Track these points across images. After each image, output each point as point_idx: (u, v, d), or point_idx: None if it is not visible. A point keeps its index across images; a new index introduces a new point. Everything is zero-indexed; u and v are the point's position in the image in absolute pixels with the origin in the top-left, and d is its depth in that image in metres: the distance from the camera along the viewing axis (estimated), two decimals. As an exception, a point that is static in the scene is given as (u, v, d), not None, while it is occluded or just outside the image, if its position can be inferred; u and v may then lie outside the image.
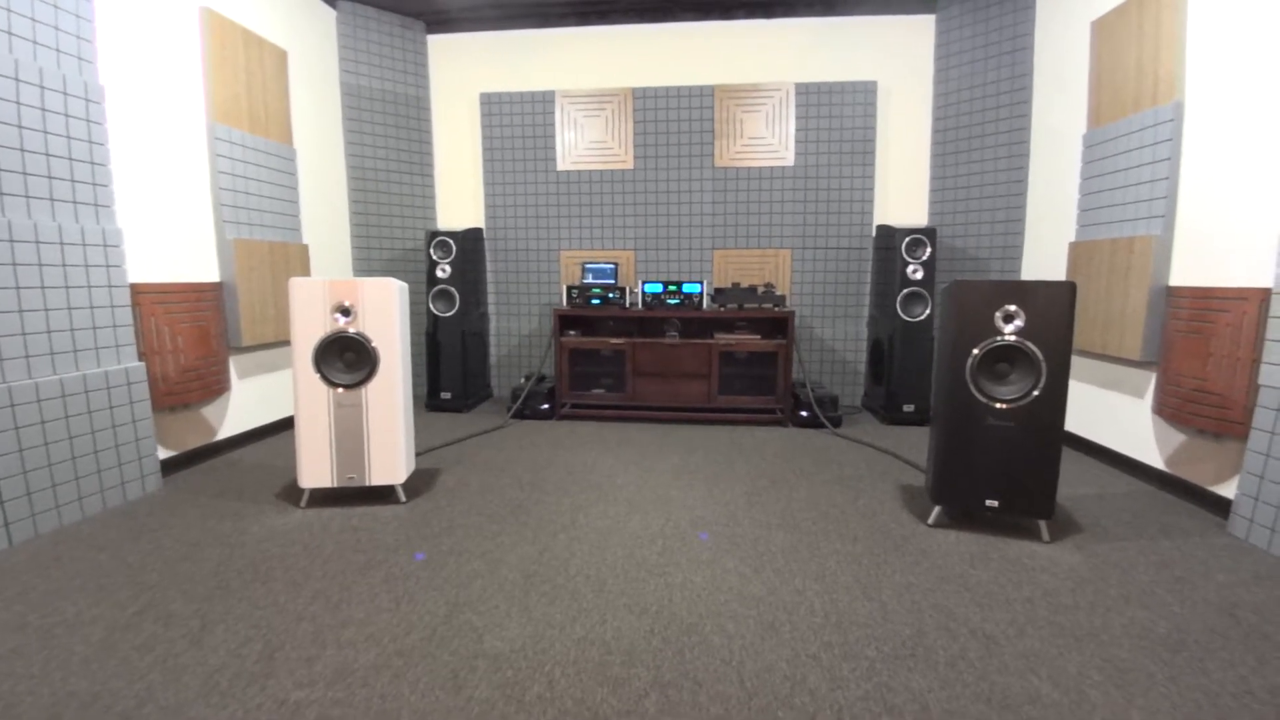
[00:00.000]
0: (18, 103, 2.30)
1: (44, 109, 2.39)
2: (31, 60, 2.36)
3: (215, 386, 3.33)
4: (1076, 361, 3.45)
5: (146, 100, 2.96)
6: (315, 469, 2.63)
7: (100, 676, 1.55)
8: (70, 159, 2.49)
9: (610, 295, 4.32)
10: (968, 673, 1.59)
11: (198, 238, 3.28)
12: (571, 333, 4.39)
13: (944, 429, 2.42)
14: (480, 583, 2.05)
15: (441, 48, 4.85)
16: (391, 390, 2.63)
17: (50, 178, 2.42)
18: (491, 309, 5.03)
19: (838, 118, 4.54)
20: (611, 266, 4.51)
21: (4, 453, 2.25)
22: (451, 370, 4.51)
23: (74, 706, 1.44)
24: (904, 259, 4.08)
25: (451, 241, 4.36)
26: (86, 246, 2.54)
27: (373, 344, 2.59)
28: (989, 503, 2.37)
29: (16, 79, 2.29)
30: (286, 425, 3.97)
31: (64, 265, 2.46)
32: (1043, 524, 2.37)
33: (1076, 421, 3.49)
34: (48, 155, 2.41)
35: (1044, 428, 2.28)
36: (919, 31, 4.46)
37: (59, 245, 2.43)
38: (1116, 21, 3.21)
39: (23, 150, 2.32)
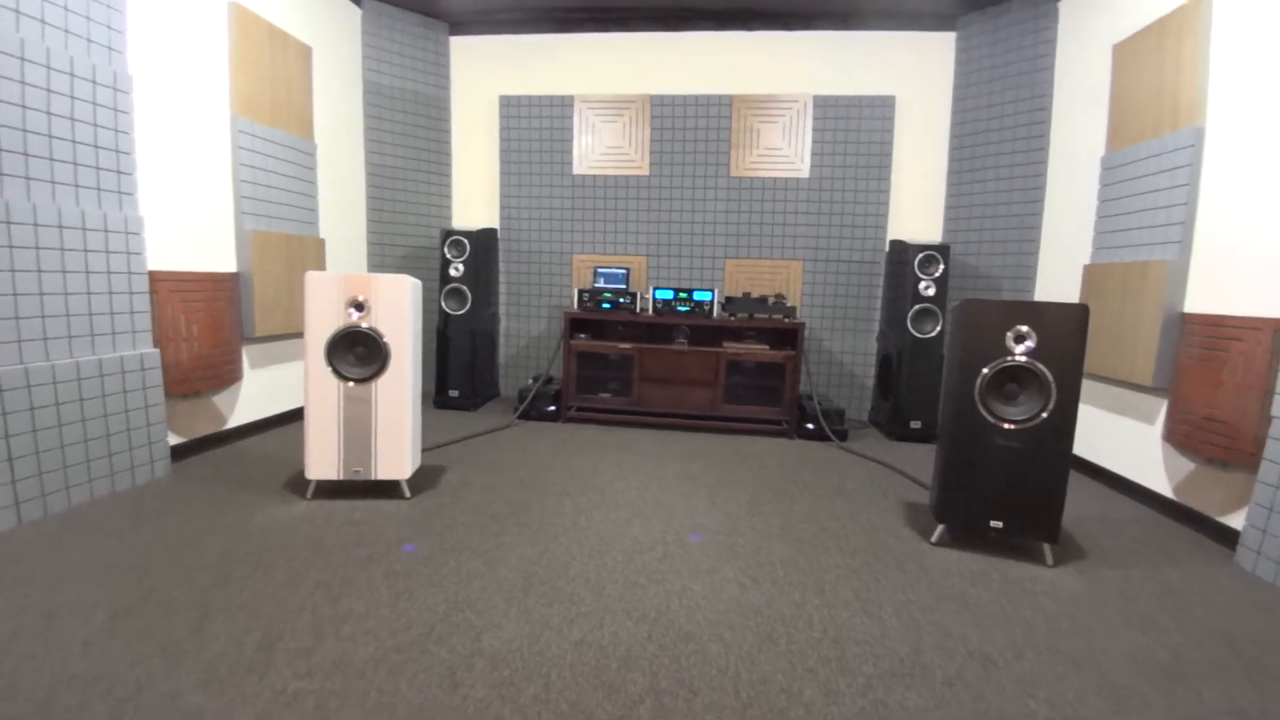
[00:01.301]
0: (48, 90, 2.34)
1: (73, 96, 2.43)
2: (63, 48, 2.41)
3: (227, 375, 3.36)
4: (1087, 385, 3.43)
5: (172, 91, 3.01)
6: (322, 461, 2.65)
7: (100, 660, 1.57)
8: (96, 146, 2.53)
9: (621, 300, 4.33)
10: (964, 693, 1.58)
11: (216, 228, 3.32)
12: (580, 336, 4.41)
13: (950, 447, 2.41)
14: (480, 582, 2.06)
15: (463, 49, 4.90)
16: (401, 386, 2.65)
17: (75, 164, 2.46)
18: (502, 309, 5.06)
19: (855, 131, 4.54)
20: (623, 271, 4.52)
21: (18, 432, 2.28)
22: (460, 369, 4.54)
23: (74, 688, 1.46)
24: (916, 275, 4.07)
25: (466, 241, 4.39)
26: (108, 233, 2.58)
27: (384, 339, 2.61)
28: (993, 523, 2.36)
29: (48, 66, 2.34)
30: (295, 416, 4.00)
31: (85, 250, 2.50)
32: (1046, 547, 2.36)
33: (1085, 445, 3.46)
34: (74, 142, 2.45)
35: (1052, 450, 2.27)
36: (939, 49, 4.46)
37: (81, 230, 2.48)
38: (1138, 45, 3.20)
39: (50, 137, 2.36)
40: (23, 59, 2.25)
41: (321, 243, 4.04)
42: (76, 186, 2.47)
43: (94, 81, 2.51)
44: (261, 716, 1.40)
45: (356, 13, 4.49)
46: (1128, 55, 3.28)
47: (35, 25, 2.31)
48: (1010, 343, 2.28)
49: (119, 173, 2.63)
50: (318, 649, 1.66)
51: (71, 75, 2.42)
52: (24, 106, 2.26)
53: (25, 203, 2.28)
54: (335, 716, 1.41)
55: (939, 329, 4.06)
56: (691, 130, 4.69)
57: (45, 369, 2.36)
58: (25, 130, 2.27)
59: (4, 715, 1.37)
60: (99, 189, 2.56)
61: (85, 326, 2.52)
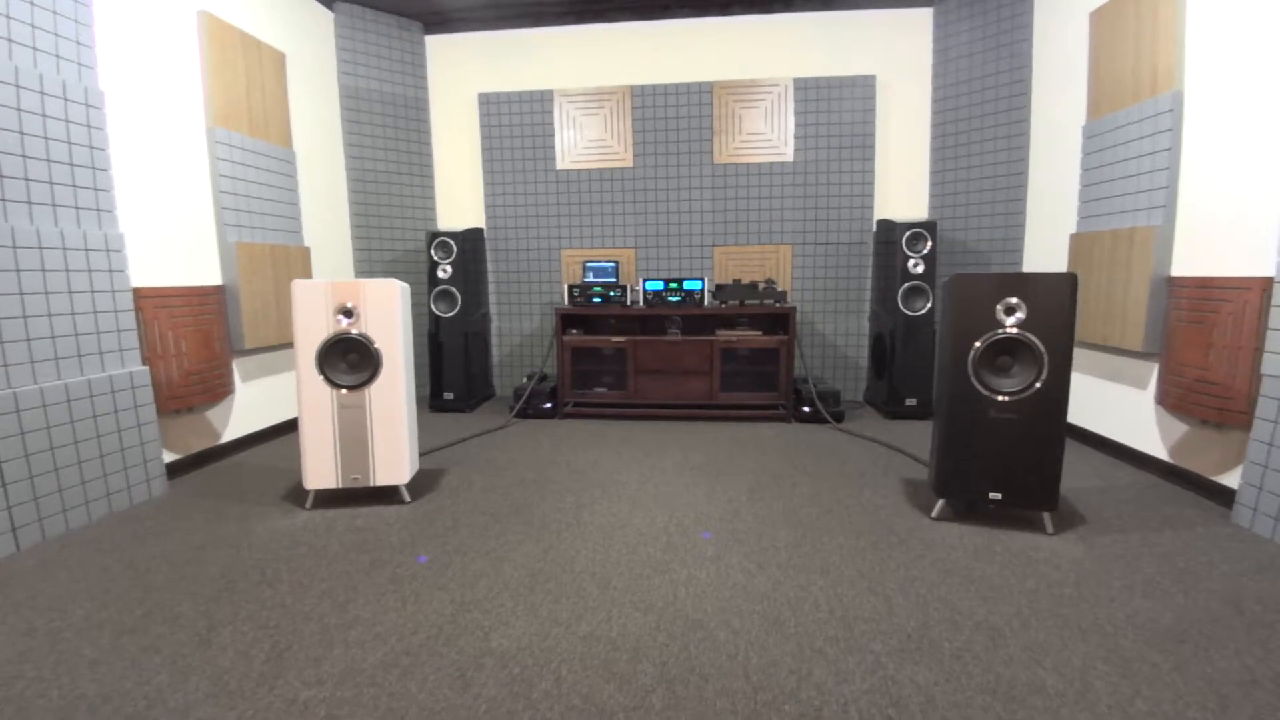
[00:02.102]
0: (18, 109, 2.30)
1: (44, 115, 2.40)
2: (31, 66, 2.37)
3: (219, 389, 3.34)
4: (1078, 353, 3.45)
5: (146, 105, 2.97)
6: (320, 470, 2.64)
7: (109, 679, 1.56)
8: (71, 164, 2.50)
9: (611, 294, 4.32)
10: (973, 665, 1.59)
11: (199, 241, 3.28)
12: (573, 331, 4.40)
13: (946, 422, 2.42)
14: (485, 582, 2.06)
15: (439, 48, 4.85)
16: (394, 391, 2.63)
17: (52, 183, 2.43)
18: (493, 309, 5.04)
19: (837, 112, 4.53)
20: (612, 265, 4.51)
21: (10, 458, 2.26)
22: (454, 371, 4.52)
23: (83, 709, 1.45)
24: (905, 253, 4.08)
25: (452, 242, 4.36)
26: (89, 251, 2.55)
27: (375, 345, 2.59)
28: (992, 495, 2.38)
29: (17, 85, 2.30)
30: (290, 427, 3.98)
31: (67, 270, 2.47)
32: (1046, 516, 2.38)
33: (1079, 413, 3.48)
34: (49, 161, 2.42)
35: (1046, 419, 2.28)
36: (917, 25, 4.45)
37: (62, 250, 2.44)
38: (1115, 12, 3.20)
39: (24, 156, 2.33)
40: (-9, 79, 2.21)
41: (307, 251, 4.01)
42: (54, 206, 2.44)
43: (65, 98, 2.47)
44: (274, 727, 1.40)
45: (329, 16, 4.43)
46: (1105, 22, 3.28)
47: (2, 44, 2.27)
48: (1001, 315, 2.29)
49: (96, 190, 2.60)
50: (327, 657, 1.65)
51: (42, 93, 2.38)
52: (-5, 127, 2.23)
53: (3, 225, 2.25)
54: (348, 723, 1.41)
55: (929, 306, 4.08)
56: (674, 119, 4.66)
57: (34, 392, 2.34)
58: (-2, 151, 2.24)
59: (13, 741, 1.36)
60: (77, 207, 2.52)
61: (72, 347, 2.49)
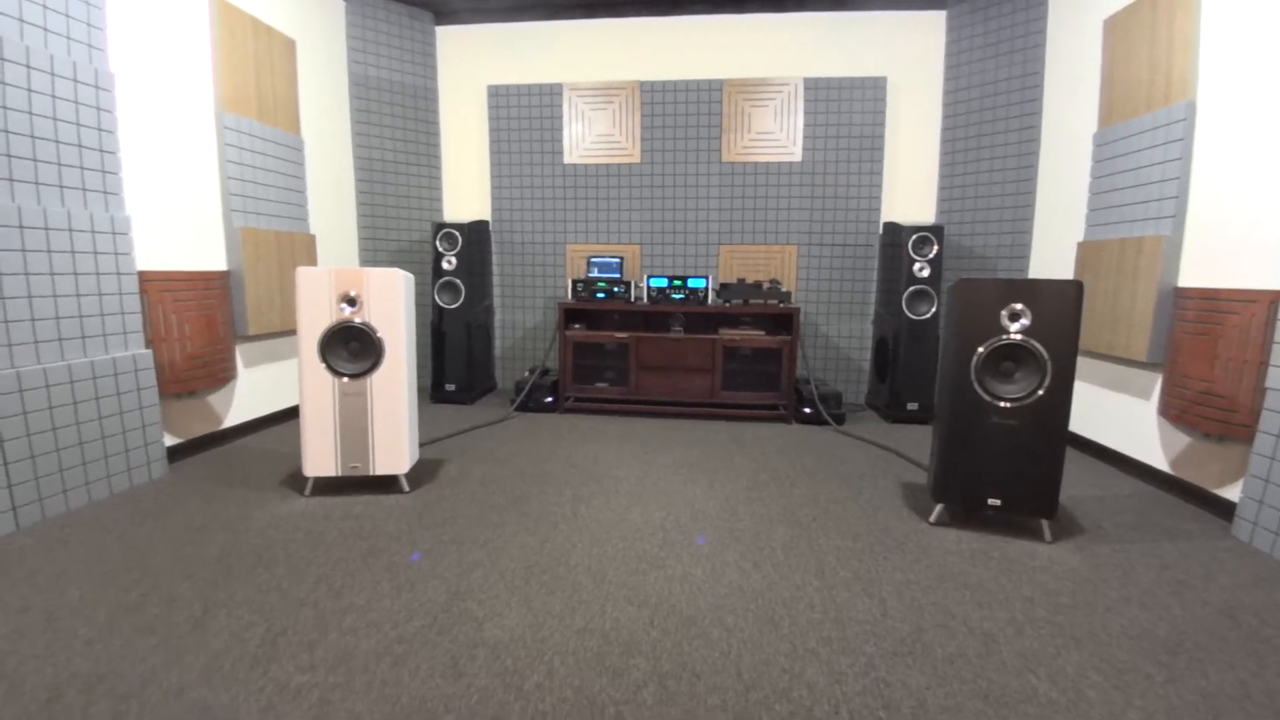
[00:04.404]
0: (29, 89, 2.31)
1: (54, 96, 2.40)
2: (42, 47, 2.37)
3: (221, 375, 3.34)
4: (1082, 361, 3.43)
5: (156, 88, 2.97)
6: (319, 457, 2.64)
7: (103, 658, 1.57)
8: (80, 146, 2.50)
9: (615, 289, 4.32)
10: (966, 670, 1.59)
11: (205, 226, 3.29)
12: (576, 326, 4.40)
13: (947, 427, 2.42)
14: (481, 572, 2.06)
15: (449, 39, 4.85)
16: (396, 380, 2.64)
17: (60, 164, 2.44)
18: (497, 301, 5.04)
19: (846, 113, 4.52)
20: (617, 260, 4.51)
21: (12, 437, 2.27)
22: (456, 362, 4.53)
23: (77, 687, 1.46)
24: (910, 256, 4.06)
25: (457, 233, 4.36)
26: (95, 234, 2.55)
27: (378, 334, 2.60)
28: (991, 501, 2.37)
29: (28, 66, 2.30)
30: (292, 414, 3.99)
31: (73, 252, 2.47)
32: (1045, 524, 2.37)
33: (1081, 422, 3.47)
34: (57, 142, 2.42)
35: (1048, 427, 2.27)
36: (929, 28, 4.43)
37: (68, 232, 2.45)
38: (1129, 20, 3.18)
39: (33, 137, 2.33)
40: (1, 58, 2.21)
41: (312, 239, 4.02)
42: (61, 187, 2.44)
43: (75, 80, 2.47)
44: (266, 710, 1.40)
45: (340, 4, 4.43)
46: (1119, 30, 3.26)
47: (14, 24, 2.28)
48: (1005, 321, 2.28)
49: (104, 172, 2.60)
50: (321, 642, 1.66)
51: (52, 74, 2.39)
52: (5, 107, 2.23)
53: (10, 204, 2.26)
54: (339, 708, 1.42)
55: (934, 310, 4.06)
56: (683, 116, 4.65)
57: (37, 372, 2.34)
58: (7, 131, 2.24)
59: (9, 715, 1.37)
60: (84, 189, 2.53)
61: (76, 329, 2.50)
